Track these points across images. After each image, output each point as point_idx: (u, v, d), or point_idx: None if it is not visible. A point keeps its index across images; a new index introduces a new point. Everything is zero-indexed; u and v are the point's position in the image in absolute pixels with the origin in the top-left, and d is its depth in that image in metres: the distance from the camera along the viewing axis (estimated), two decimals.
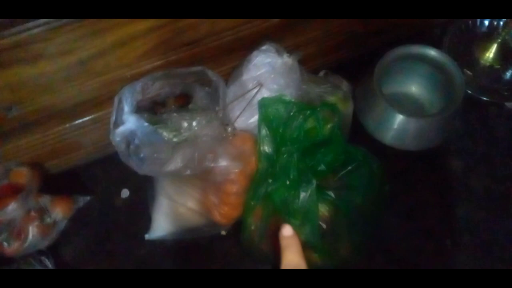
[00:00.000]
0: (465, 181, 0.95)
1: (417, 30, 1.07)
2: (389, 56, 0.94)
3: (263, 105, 0.80)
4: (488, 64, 1.06)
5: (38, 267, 0.84)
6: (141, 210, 0.91)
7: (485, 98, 1.02)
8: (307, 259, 0.82)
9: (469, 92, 1.02)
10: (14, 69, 0.70)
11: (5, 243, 0.81)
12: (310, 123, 0.81)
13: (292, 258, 0.52)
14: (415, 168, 0.96)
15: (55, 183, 0.91)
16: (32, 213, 0.83)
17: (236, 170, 0.79)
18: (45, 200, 0.86)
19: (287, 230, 0.56)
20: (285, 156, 0.78)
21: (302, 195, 0.76)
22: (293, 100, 0.82)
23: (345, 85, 0.95)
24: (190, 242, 0.89)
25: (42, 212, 0.85)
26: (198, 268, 0.88)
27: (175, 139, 0.81)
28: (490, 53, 1.06)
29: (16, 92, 0.75)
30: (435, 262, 0.88)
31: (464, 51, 1.07)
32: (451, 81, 0.90)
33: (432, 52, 0.92)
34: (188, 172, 0.79)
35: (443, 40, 1.07)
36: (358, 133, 0.95)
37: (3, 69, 0.69)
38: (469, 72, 1.05)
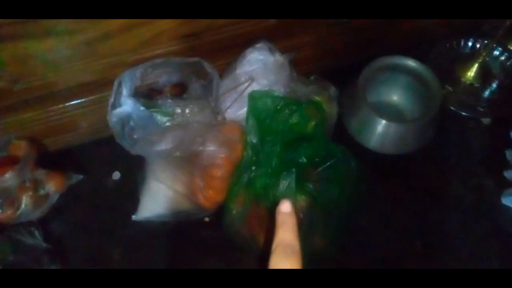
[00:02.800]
0: (439, 187, 1.00)
1: (406, 44, 1.13)
2: (374, 65, 1.00)
3: (253, 97, 0.86)
4: (468, 82, 1.13)
5: (27, 237, 0.88)
6: (130, 192, 0.95)
7: (463, 113, 1.08)
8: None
9: (450, 107, 1.08)
10: (23, 43, 0.76)
11: None
12: (295, 118, 0.86)
13: (286, 236, 0.47)
14: (392, 171, 1.01)
15: (51, 160, 0.96)
16: (27, 184, 0.88)
17: (223, 155, 0.84)
18: (40, 173, 0.91)
19: (285, 206, 0.50)
20: (269, 145, 0.83)
21: (282, 183, 0.81)
22: (281, 95, 0.87)
23: (332, 90, 1.01)
24: (174, 225, 0.94)
25: (37, 184, 0.89)
26: (178, 250, 0.93)
27: (168, 123, 0.86)
28: (471, 72, 1.13)
29: (23, 66, 0.80)
30: (405, 260, 0.92)
31: (448, 68, 1.14)
32: (430, 90, 0.97)
33: (412, 64, 0.99)
34: (178, 153, 0.84)
35: (428, 56, 1.14)
36: (341, 135, 1.01)
37: (13, 41, 0.75)
38: (450, 88, 1.11)
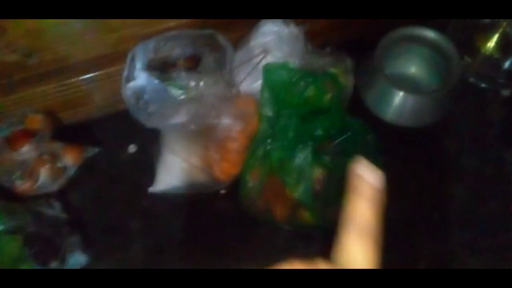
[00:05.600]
0: (457, 160, 0.99)
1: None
2: (391, 36, 0.98)
3: (267, 70, 0.85)
4: (488, 53, 1.09)
5: (47, 208, 0.90)
6: (146, 165, 0.96)
7: (483, 85, 1.06)
8: (300, 217, 0.88)
9: (469, 79, 1.06)
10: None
11: (17, 181, 0.87)
12: (310, 91, 0.86)
13: (369, 215, 0.36)
14: (410, 144, 1.00)
15: (67, 133, 0.97)
16: (45, 157, 0.89)
17: (238, 128, 0.84)
18: (57, 146, 0.92)
19: (373, 177, 0.37)
20: (284, 118, 0.83)
21: (299, 155, 0.82)
22: (296, 67, 0.86)
23: (348, 62, 0.99)
24: (190, 198, 0.95)
25: (54, 157, 0.91)
26: (195, 221, 0.94)
27: (182, 96, 0.86)
28: (491, 43, 1.09)
29: (36, 40, 0.80)
30: (422, 234, 0.93)
31: (467, 39, 1.10)
32: (449, 62, 0.95)
33: (431, 34, 0.97)
34: (193, 127, 0.84)
35: (448, 26, 1.11)
36: (357, 107, 0.99)
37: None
38: (469, 59, 1.08)
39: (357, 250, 0.34)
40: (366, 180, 0.36)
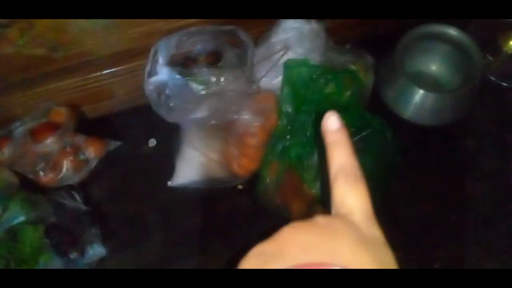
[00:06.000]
0: (476, 160, 0.98)
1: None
2: (412, 33, 0.97)
3: (288, 66, 0.85)
4: (510, 51, 1.08)
5: (68, 200, 0.92)
6: (166, 159, 0.97)
7: (504, 84, 1.05)
8: (317, 213, 0.88)
9: (490, 78, 1.05)
10: None
11: (41, 172, 0.89)
12: (330, 88, 0.86)
13: (344, 159, 0.37)
14: (429, 143, 0.99)
15: (90, 126, 0.99)
16: (68, 149, 0.91)
17: (257, 124, 0.85)
18: (80, 139, 0.93)
19: (333, 122, 0.39)
20: (304, 115, 0.83)
21: (317, 152, 0.82)
22: (317, 64, 0.86)
23: (368, 59, 0.99)
24: (208, 192, 0.95)
25: (77, 149, 0.92)
26: (212, 216, 0.95)
27: (203, 92, 0.87)
28: None
29: (61, 34, 0.82)
30: (439, 232, 0.92)
31: (489, 37, 1.09)
32: (470, 60, 0.94)
33: (453, 32, 0.96)
34: (213, 122, 0.85)
35: (469, 24, 1.10)
36: (376, 105, 0.99)
37: None
38: (491, 58, 1.07)
39: (347, 193, 0.35)
40: (327, 127, 0.39)
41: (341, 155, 0.37)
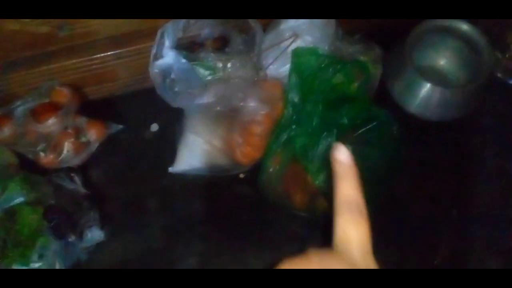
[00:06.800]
0: (480, 157, 0.98)
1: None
2: (423, 27, 0.96)
3: (297, 54, 0.84)
4: None
5: (68, 182, 0.90)
6: (168, 144, 0.96)
7: (511, 82, 1.04)
8: (320, 206, 0.88)
9: (497, 75, 1.04)
10: None
11: (41, 153, 0.88)
12: (338, 78, 0.85)
13: (350, 191, 0.40)
14: (434, 138, 0.98)
15: (92, 108, 0.97)
16: (69, 130, 0.90)
17: (263, 112, 0.84)
18: (81, 121, 0.92)
19: (343, 154, 0.42)
20: (310, 104, 0.82)
21: (322, 143, 0.81)
22: (325, 53, 0.85)
23: (377, 51, 0.97)
24: (210, 180, 0.94)
25: (78, 131, 0.91)
26: (213, 203, 0.94)
27: (209, 77, 0.85)
28: None
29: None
30: (439, 228, 0.92)
31: (498, 34, 1.08)
32: (480, 56, 0.93)
33: (464, 27, 0.95)
34: (218, 108, 0.84)
35: (479, 20, 1.09)
36: (382, 97, 0.98)
37: None
38: (499, 55, 1.06)
39: (348, 225, 0.38)
40: (337, 157, 0.41)
41: (347, 187, 0.40)
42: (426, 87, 0.93)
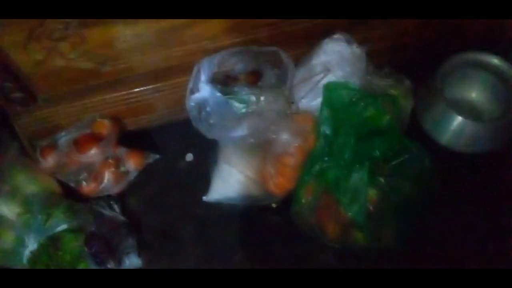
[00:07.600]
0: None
1: (486, 41, 1.08)
2: (454, 60, 0.97)
3: (328, 88, 0.86)
4: None
5: (107, 210, 0.94)
6: (202, 174, 1.00)
7: None
8: (352, 237, 0.88)
9: None
10: (114, 28, 0.80)
11: (83, 182, 0.92)
12: (369, 111, 0.86)
13: None
14: (467, 170, 0.98)
15: (130, 139, 1.01)
16: (110, 160, 0.94)
17: (296, 144, 0.86)
18: (121, 151, 0.96)
19: None
20: (342, 137, 0.84)
21: (354, 175, 0.82)
22: (357, 87, 0.87)
23: (407, 83, 0.99)
24: (243, 209, 0.97)
25: (118, 161, 0.95)
26: (246, 233, 0.96)
27: (243, 110, 0.88)
28: None
29: (110, 49, 0.85)
30: (474, 261, 0.91)
31: None
32: (511, 89, 0.93)
33: (495, 61, 0.96)
34: (252, 140, 0.86)
35: (510, 53, 1.09)
36: (414, 130, 0.98)
37: (105, 25, 0.79)
38: None
39: None
40: None
41: None
42: (458, 120, 0.93)
